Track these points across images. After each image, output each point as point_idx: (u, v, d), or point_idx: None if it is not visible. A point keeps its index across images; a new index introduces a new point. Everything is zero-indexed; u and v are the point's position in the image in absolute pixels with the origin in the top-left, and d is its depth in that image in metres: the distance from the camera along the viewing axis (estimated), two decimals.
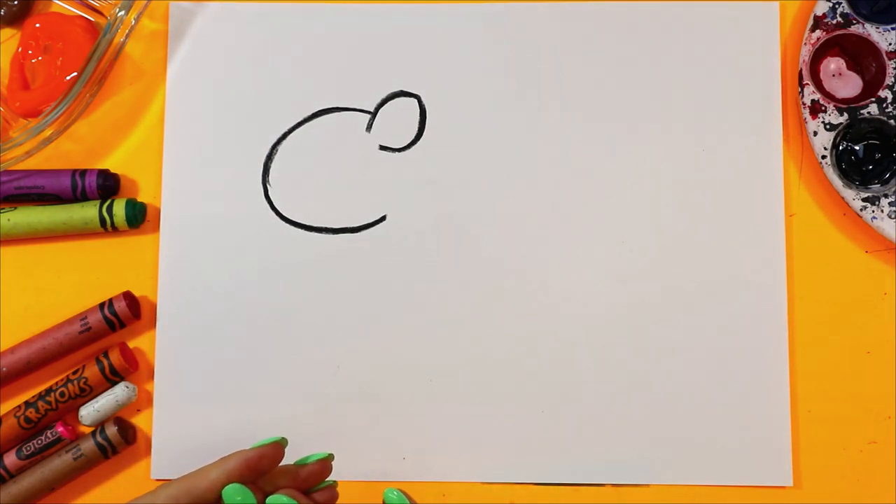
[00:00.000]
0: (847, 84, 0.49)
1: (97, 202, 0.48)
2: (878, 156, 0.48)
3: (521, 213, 0.49)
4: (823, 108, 0.48)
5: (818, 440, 0.47)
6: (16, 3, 0.50)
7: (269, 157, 0.50)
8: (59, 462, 0.47)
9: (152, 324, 0.49)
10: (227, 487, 0.38)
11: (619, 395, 0.48)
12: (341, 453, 0.48)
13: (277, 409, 0.48)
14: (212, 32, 0.50)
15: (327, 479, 0.40)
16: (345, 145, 0.49)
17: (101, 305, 0.48)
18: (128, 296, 0.48)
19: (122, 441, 0.47)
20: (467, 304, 0.48)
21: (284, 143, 0.50)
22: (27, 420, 0.47)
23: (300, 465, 0.40)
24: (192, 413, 0.48)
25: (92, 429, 0.48)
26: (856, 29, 0.48)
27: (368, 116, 0.50)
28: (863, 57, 0.48)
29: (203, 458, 0.48)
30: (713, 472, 0.46)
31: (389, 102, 0.50)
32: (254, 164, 0.50)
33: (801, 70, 0.48)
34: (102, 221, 0.48)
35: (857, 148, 0.48)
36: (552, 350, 0.48)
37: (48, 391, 0.47)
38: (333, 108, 0.50)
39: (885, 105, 0.48)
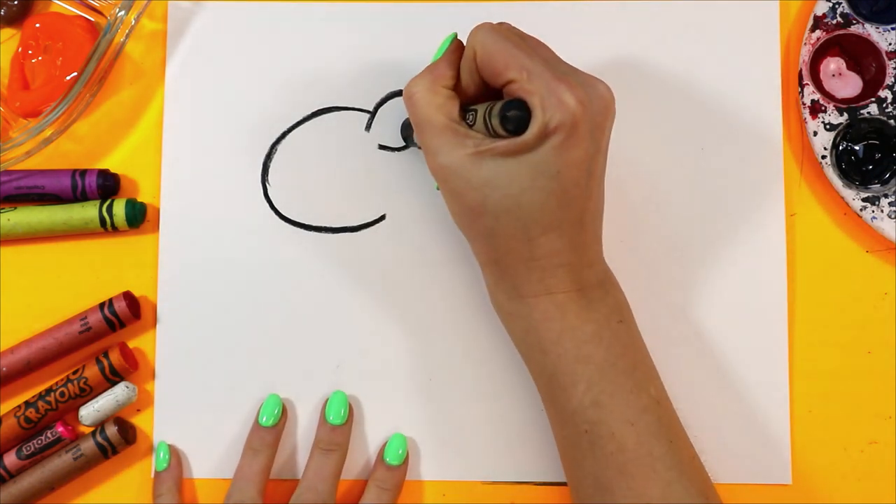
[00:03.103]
0: (847, 84, 0.49)
1: (97, 202, 0.48)
2: (878, 156, 0.48)
3: None
4: (823, 108, 0.48)
5: (818, 440, 0.47)
6: (16, 3, 0.50)
7: (269, 157, 0.50)
8: (59, 462, 0.47)
9: (152, 324, 0.49)
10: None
11: None
12: None
13: None
14: (211, 32, 0.50)
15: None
16: (344, 144, 0.49)
17: (101, 305, 0.48)
18: (128, 296, 0.48)
19: (122, 441, 0.47)
20: (468, 304, 0.48)
21: (284, 142, 0.50)
22: (27, 420, 0.47)
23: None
24: (192, 413, 0.48)
25: (92, 429, 0.48)
26: (856, 29, 0.48)
27: (368, 116, 0.50)
28: (863, 57, 0.48)
29: (203, 457, 0.48)
30: (713, 470, 0.46)
31: (389, 101, 0.50)
32: (253, 164, 0.50)
33: (801, 70, 0.48)
34: (102, 221, 0.48)
35: (857, 148, 0.48)
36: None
37: (48, 391, 0.47)
38: (333, 108, 0.50)
39: (885, 105, 0.48)
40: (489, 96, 0.41)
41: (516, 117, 0.37)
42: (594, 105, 0.38)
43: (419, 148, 0.47)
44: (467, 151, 0.38)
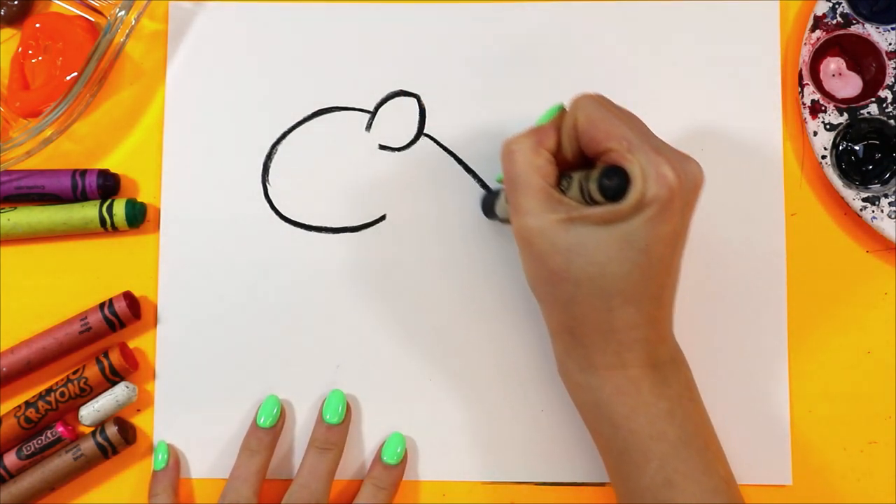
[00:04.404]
0: (847, 84, 0.49)
1: (97, 202, 0.48)
2: (878, 156, 0.48)
3: None
4: (823, 108, 0.48)
5: (818, 440, 0.47)
6: (16, 3, 0.50)
7: (269, 157, 0.50)
8: (59, 462, 0.47)
9: (152, 324, 0.49)
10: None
11: None
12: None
13: None
14: (212, 32, 0.50)
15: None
16: (345, 145, 0.49)
17: (101, 305, 0.48)
18: (128, 296, 0.48)
19: (122, 441, 0.47)
20: (467, 304, 0.48)
21: (284, 142, 0.50)
22: (27, 420, 0.47)
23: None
24: (192, 413, 0.48)
25: (92, 429, 0.48)
26: (856, 29, 0.48)
27: (368, 116, 0.50)
28: (863, 57, 0.48)
29: (203, 458, 0.48)
30: None
31: (389, 102, 0.50)
32: (254, 164, 0.50)
33: (801, 70, 0.48)
34: (102, 221, 0.48)
35: (857, 148, 0.48)
36: (552, 349, 0.48)
37: (48, 391, 0.47)
38: (333, 108, 0.50)
39: (885, 105, 0.48)
40: (583, 166, 0.41)
41: (615, 184, 0.37)
42: (688, 182, 0.38)
43: (502, 221, 0.47)
44: (559, 216, 0.38)
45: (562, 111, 0.41)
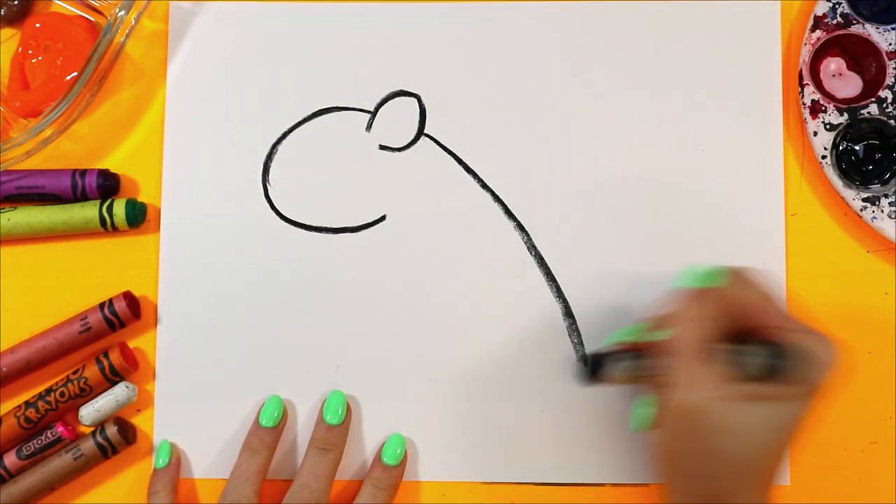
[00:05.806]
0: (847, 84, 0.49)
1: (97, 202, 0.48)
2: (878, 156, 0.48)
3: (522, 213, 0.49)
4: (823, 108, 0.48)
5: (818, 440, 0.47)
6: (16, 3, 0.50)
7: (269, 157, 0.50)
8: (59, 462, 0.47)
9: (152, 324, 0.49)
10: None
11: (620, 395, 0.48)
12: None
13: None
14: (212, 32, 0.50)
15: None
16: (345, 145, 0.49)
17: (101, 305, 0.48)
18: (128, 296, 0.48)
19: (122, 441, 0.47)
20: (467, 304, 0.48)
21: (284, 142, 0.50)
22: (27, 420, 0.47)
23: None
24: (192, 413, 0.48)
25: (92, 429, 0.48)
26: (856, 29, 0.48)
27: (368, 116, 0.50)
28: (863, 57, 0.48)
29: (203, 458, 0.48)
30: None
31: (389, 102, 0.50)
32: (254, 164, 0.50)
33: (801, 70, 0.48)
34: (102, 221, 0.48)
35: (857, 148, 0.48)
36: (552, 350, 0.48)
37: (48, 391, 0.47)
38: (333, 108, 0.50)
39: (885, 105, 0.48)
40: (733, 340, 0.40)
41: (774, 363, 0.38)
42: (833, 366, 0.38)
43: (607, 383, 0.44)
44: (718, 393, 0.38)
45: (717, 283, 0.41)
